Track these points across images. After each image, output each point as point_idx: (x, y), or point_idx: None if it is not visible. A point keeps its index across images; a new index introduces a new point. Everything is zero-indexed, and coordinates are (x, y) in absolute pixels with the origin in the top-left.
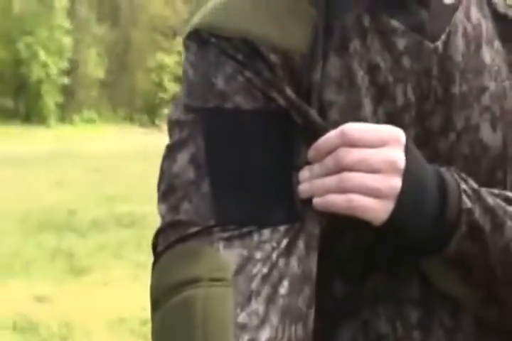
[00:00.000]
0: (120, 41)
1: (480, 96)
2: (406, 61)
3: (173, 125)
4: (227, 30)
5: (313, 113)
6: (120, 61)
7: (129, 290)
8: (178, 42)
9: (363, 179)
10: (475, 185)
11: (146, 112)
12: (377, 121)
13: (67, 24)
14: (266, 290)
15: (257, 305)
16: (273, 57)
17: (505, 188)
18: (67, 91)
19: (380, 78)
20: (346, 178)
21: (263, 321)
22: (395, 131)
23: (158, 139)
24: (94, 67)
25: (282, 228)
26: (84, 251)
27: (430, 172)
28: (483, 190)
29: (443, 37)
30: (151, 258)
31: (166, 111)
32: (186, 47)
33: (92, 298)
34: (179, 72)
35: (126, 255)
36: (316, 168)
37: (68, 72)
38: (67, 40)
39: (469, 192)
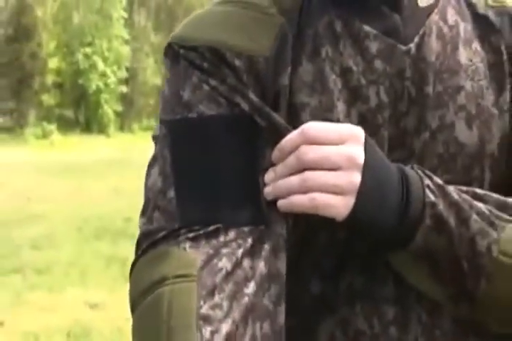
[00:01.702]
0: None
1: (455, 96)
2: (378, 64)
3: (153, 142)
4: (195, 39)
5: (276, 116)
6: None
7: None
8: None
9: (323, 177)
10: (440, 181)
11: None
12: (350, 123)
13: (125, 34)
14: (230, 287)
15: (221, 301)
16: (238, 63)
17: (482, 185)
18: (126, 100)
19: (353, 81)
20: (308, 177)
21: (226, 315)
22: (355, 128)
23: None
24: (152, 75)
25: (247, 229)
26: None
27: (392, 168)
28: (449, 186)
29: (416, 39)
30: None
31: None
32: (164, 64)
33: None
34: None
35: None
36: (280, 168)
37: (127, 81)
38: (125, 50)
39: (433, 187)
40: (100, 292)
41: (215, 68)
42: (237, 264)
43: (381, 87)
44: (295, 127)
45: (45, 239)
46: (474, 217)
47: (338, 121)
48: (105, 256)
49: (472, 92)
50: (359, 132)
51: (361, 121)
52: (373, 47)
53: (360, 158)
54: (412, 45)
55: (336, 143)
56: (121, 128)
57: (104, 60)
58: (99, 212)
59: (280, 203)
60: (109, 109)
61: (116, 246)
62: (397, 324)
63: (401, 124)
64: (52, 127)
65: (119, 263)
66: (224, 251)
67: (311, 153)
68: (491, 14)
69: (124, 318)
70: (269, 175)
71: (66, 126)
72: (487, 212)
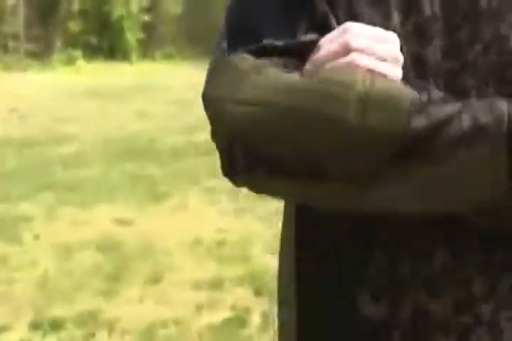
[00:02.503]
0: None
1: (510, 10)
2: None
3: None
4: None
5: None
6: None
7: (205, 214)
8: None
9: (372, 62)
10: None
11: None
12: (405, 32)
13: None
14: None
15: None
16: None
17: None
18: (148, 28)
19: None
20: (357, 58)
21: None
22: (391, 33)
23: None
24: (173, 4)
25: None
26: (163, 177)
27: None
28: None
29: None
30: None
31: None
32: None
33: (171, 221)
34: None
35: (202, 181)
36: (323, 52)
37: (149, 10)
38: None
39: None
40: (128, 209)
41: None
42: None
43: (435, 0)
44: None
45: (75, 158)
46: None
47: (394, 30)
48: (132, 175)
49: None
50: (395, 37)
51: (415, 31)
52: None
53: (401, 56)
54: None
55: (378, 41)
56: (144, 55)
57: None
58: (124, 133)
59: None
60: (132, 36)
61: (142, 166)
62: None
63: (454, 36)
64: (78, 53)
65: (146, 182)
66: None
67: (357, 41)
68: None
69: (153, 234)
70: (308, 67)
71: (90, 52)
72: None
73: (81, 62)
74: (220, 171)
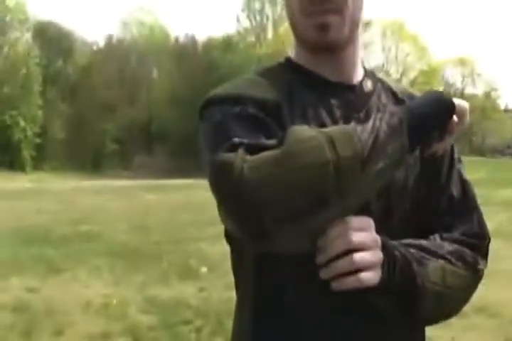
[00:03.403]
0: (76, 114)
1: None
2: (341, 124)
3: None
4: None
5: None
6: (76, 127)
7: (92, 284)
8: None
9: (365, 256)
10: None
11: (93, 162)
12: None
13: (40, 102)
14: None
15: None
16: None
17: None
18: (40, 148)
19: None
20: (356, 258)
21: None
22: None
23: (102, 181)
24: (59, 131)
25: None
26: (58, 257)
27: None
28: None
29: (364, 110)
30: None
31: (107, 161)
32: (202, 118)
33: (67, 289)
34: (115, 135)
35: (89, 260)
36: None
37: (40, 135)
38: (40, 113)
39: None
40: (34, 280)
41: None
42: None
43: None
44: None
45: None
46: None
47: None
48: (35, 255)
49: None
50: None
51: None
52: (338, 113)
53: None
54: (362, 114)
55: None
56: (36, 167)
57: (25, 119)
58: (27, 223)
59: (334, 286)
60: (27, 154)
61: (41, 249)
62: None
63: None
64: None
65: (45, 261)
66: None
67: (355, 237)
68: (405, 98)
69: (53, 298)
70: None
71: None
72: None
73: None
74: (102, 253)
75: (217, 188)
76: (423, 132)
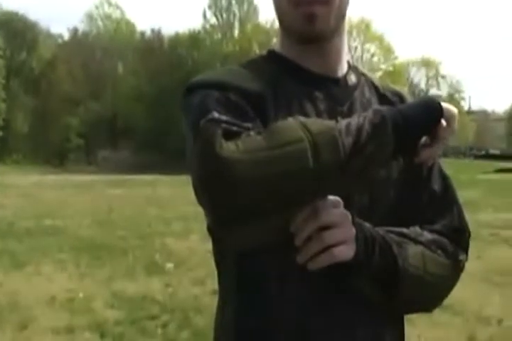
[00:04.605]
0: (39, 107)
1: None
2: (325, 116)
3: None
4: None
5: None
6: (40, 120)
7: (56, 278)
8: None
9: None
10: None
11: (57, 156)
12: None
13: (3, 95)
14: None
15: None
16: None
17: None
18: (2, 141)
19: None
20: (324, 236)
21: None
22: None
23: (65, 176)
24: (21, 125)
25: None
26: (22, 251)
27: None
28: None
29: (347, 104)
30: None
31: (71, 156)
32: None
33: (30, 283)
34: (80, 129)
35: (52, 254)
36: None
37: (2, 128)
38: (3, 106)
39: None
40: None
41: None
42: None
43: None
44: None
45: None
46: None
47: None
48: None
49: None
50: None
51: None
52: (322, 106)
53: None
54: (345, 107)
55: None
56: None
57: None
58: None
59: (309, 266)
60: None
61: (4, 243)
62: None
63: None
64: None
65: (9, 255)
66: None
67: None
68: (388, 93)
69: (16, 292)
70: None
71: None
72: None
73: None
74: (66, 248)
75: (198, 164)
76: (409, 132)
